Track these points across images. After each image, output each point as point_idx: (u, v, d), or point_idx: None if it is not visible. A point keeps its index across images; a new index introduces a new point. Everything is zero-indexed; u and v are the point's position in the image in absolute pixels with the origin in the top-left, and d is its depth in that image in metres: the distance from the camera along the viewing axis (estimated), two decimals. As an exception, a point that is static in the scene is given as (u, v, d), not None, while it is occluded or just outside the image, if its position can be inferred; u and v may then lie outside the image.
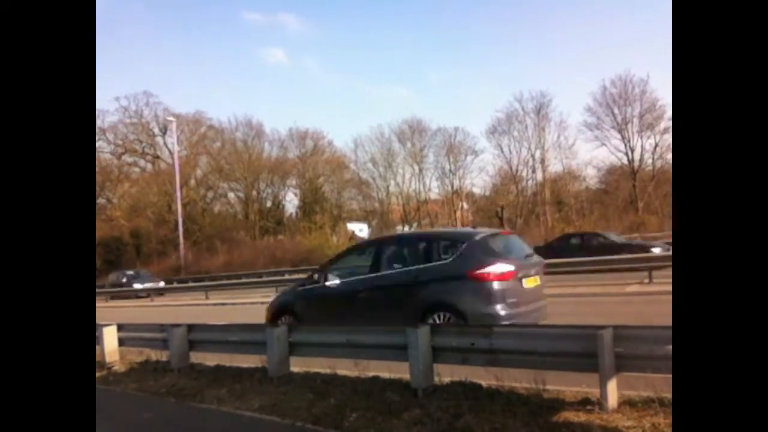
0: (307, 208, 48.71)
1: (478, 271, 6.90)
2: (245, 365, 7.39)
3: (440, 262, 7.39)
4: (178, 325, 8.26)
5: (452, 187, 48.63)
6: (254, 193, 48.75)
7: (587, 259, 17.38)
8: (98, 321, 8.68)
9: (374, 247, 8.57)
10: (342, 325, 6.93)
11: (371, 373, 6.15)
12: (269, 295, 21.05)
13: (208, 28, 74.04)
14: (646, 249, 18.29)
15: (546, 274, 15.98)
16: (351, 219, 48.15)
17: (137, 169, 50.91)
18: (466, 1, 68.34)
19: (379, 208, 50.13)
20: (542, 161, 45.32)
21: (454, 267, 7.11)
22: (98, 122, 45.34)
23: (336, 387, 6.00)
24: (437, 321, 6.87)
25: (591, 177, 46.32)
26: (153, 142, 49.90)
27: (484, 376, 5.42)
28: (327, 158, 50.95)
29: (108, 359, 9.03)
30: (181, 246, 38.18)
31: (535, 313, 7.34)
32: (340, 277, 8.20)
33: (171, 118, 41.58)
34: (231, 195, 50.71)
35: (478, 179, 57.47)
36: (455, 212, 48.41)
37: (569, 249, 19.78)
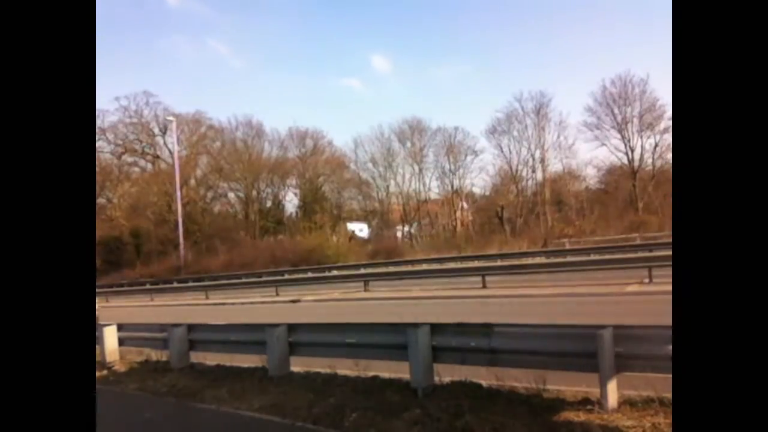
0: (307, 208, 48.67)
1: None
2: (245, 365, 7.39)
3: None
4: (178, 325, 8.27)
5: (452, 186, 48.59)
6: (254, 193, 48.71)
7: (587, 258, 17.41)
8: (98, 321, 8.69)
9: None
10: None
11: (371, 373, 6.15)
12: (269, 295, 21.11)
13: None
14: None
15: (545, 273, 16.00)
16: (351, 219, 48.10)
17: (137, 169, 50.85)
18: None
19: (379, 208, 50.09)
20: (542, 161, 45.29)
21: None
22: (98, 122, 45.27)
23: (336, 387, 6.00)
24: None
25: (591, 177, 46.31)
26: (153, 142, 49.85)
27: (484, 376, 5.42)
28: (327, 158, 50.92)
29: (108, 359, 9.04)
30: (181, 246, 38.15)
31: None
32: None
33: (171, 118, 41.55)
34: (231, 195, 50.70)
35: (478, 179, 57.44)
36: (455, 212, 48.37)
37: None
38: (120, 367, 8.79)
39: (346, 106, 69.18)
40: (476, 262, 23.73)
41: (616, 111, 41.15)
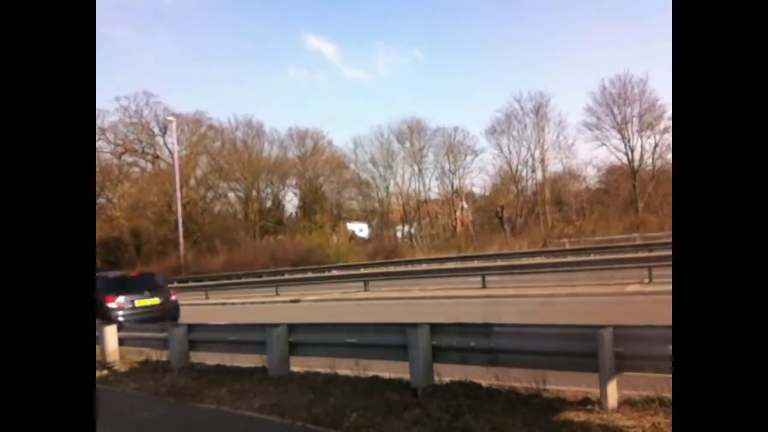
0: (307, 208, 48.68)
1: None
2: (245, 365, 7.39)
3: None
4: (178, 325, 8.27)
5: (452, 186, 48.59)
6: (254, 193, 48.70)
7: (587, 258, 17.40)
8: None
9: None
10: None
11: (371, 373, 6.15)
12: (269, 295, 21.10)
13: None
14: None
15: (545, 273, 16.01)
16: (351, 219, 48.10)
17: (137, 169, 50.85)
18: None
19: (379, 208, 50.08)
20: (542, 161, 45.28)
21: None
22: (98, 122, 45.24)
23: (336, 387, 6.00)
24: None
25: (591, 177, 46.27)
26: (153, 142, 49.85)
27: (484, 376, 5.41)
28: (327, 158, 50.91)
29: (108, 359, 9.04)
30: (181, 246, 38.13)
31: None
32: None
33: (171, 118, 41.52)
34: (231, 195, 50.67)
35: (478, 179, 57.43)
36: (455, 212, 48.36)
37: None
38: (120, 367, 8.80)
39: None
40: (476, 262, 23.69)
41: (615, 111, 41.12)
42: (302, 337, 7.01)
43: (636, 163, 41.09)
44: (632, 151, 41.02)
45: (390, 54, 71.06)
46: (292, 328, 7.06)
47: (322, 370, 6.66)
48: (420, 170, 48.56)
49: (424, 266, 24.06)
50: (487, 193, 49.56)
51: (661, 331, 4.29)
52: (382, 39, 70.44)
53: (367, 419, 4.89)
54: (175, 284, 30.08)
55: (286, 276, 25.35)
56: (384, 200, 49.85)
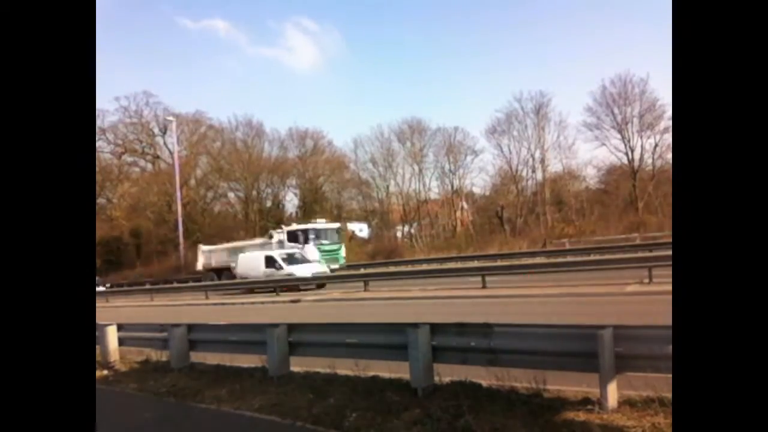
0: (307, 208, 48.68)
1: None
2: (245, 365, 7.39)
3: None
4: (178, 325, 8.26)
5: (452, 186, 48.59)
6: (254, 193, 48.72)
7: (587, 258, 17.42)
8: (98, 321, 8.68)
9: None
10: None
11: (371, 373, 6.15)
12: (269, 295, 21.11)
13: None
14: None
15: (545, 273, 15.99)
16: (351, 219, 48.09)
17: (137, 169, 50.90)
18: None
19: (379, 208, 50.07)
20: (542, 161, 45.25)
21: None
22: (98, 122, 45.29)
23: (336, 387, 6.00)
24: None
25: (591, 177, 46.24)
26: (153, 142, 49.90)
27: (484, 376, 5.41)
28: (327, 158, 50.90)
29: (108, 359, 9.03)
30: (181, 246, 38.19)
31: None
32: None
33: (171, 118, 41.60)
34: (231, 195, 50.72)
35: (478, 179, 57.25)
36: (455, 212, 48.36)
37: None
38: (120, 367, 8.79)
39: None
40: (476, 262, 23.75)
41: (616, 111, 41.11)
42: (302, 337, 7.01)
43: (636, 163, 41.08)
44: (632, 151, 41.04)
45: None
46: (291, 328, 7.06)
47: (322, 370, 6.66)
48: (420, 170, 48.59)
49: (424, 266, 24.11)
50: (487, 193, 49.59)
51: (661, 331, 4.29)
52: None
53: (367, 419, 4.89)
54: (175, 284, 30.20)
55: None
56: (384, 200, 49.84)
